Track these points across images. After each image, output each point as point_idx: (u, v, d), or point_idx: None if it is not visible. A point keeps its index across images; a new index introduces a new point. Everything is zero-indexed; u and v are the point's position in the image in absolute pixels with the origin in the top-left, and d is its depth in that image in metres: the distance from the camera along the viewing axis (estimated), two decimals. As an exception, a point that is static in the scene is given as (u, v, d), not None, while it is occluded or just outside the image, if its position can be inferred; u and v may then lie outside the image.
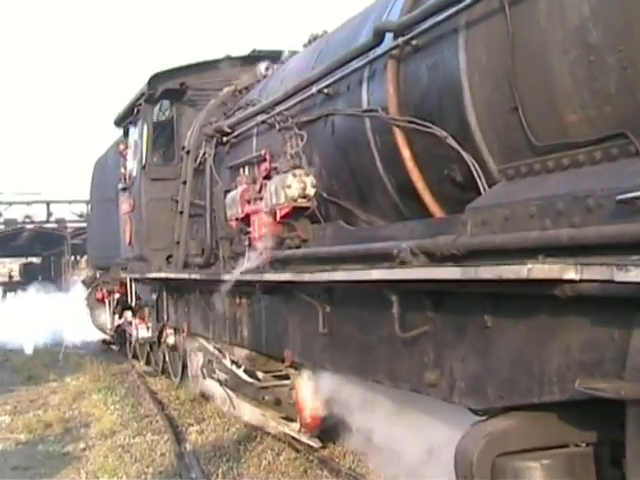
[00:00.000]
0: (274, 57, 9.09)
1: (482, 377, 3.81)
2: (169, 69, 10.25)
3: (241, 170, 7.46)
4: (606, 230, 3.05)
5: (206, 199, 8.57)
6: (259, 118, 7.20)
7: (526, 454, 3.58)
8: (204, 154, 8.75)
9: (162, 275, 9.60)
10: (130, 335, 13.68)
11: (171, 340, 10.72)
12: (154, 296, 10.94)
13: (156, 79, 10.09)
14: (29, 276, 42.61)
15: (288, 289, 5.96)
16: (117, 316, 14.73)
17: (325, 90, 5.74)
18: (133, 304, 12.24)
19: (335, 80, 5.61)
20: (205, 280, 8.00)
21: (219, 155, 8.51)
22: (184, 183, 9.27)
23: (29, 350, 17.80)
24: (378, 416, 5.73)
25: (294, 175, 5.94)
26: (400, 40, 4.69)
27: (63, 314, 19.90)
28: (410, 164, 4.75)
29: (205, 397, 10.01)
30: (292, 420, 7.20)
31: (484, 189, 4.16)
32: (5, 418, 10.59)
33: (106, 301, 15.92)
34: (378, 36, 4.90)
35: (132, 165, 11.02)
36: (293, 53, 8.18)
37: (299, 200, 5.94)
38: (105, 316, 16.19)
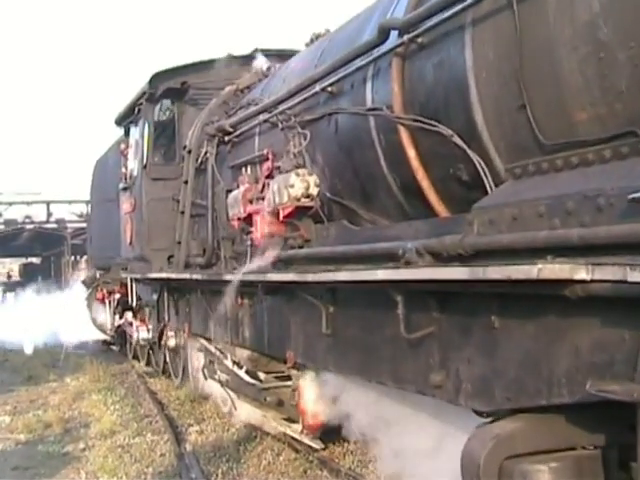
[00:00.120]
0: (276, 56, 9.05)
1: (489, 379, 3.76)
2: (170, 68, 10.23)
3: (243, 169, 7.42)
4: (617, 230, 2.99)
5: (208, 199, 8.53)
6: (261, 117, 7.15)
7: (534, 457, 3.53)
8: (206, 153, 8.71)
9: (163, 275, 9.55)
10: (130, 336, 13.65)
11: (172, 342, 10.65)
12: (155, 296, 10.89)
13: (157, 78, 10.06)
14: (29, 276, 42.59)
15: (291, 289, 5.91)
16: (117, 316, 14.69)
17: (329, 89, 5.69)
18: (134, 304, 12.19)
19: (339, 78, 5.56)
20: (207, 280, 7.95)
21: (221, 154, 8.46)
22: (185, 183, 9.22)
23: (29, 350, 17.76)
24: (381, 417, 5.68)
25: (297, 174, 5.89)
26: (405, 38, 4.64)
27: (63, 314, 19.87)
28: (415, 163, 4.70)
29: (206, 398, 9.96)
30: (294, 421, 7.16)
31: (491, 188, 4.11)
32: (5, 418, 10.56)
33: (106, 301, 15.89)
34: (383, 34, 4.85)
35: (133, 165, 10.98)
36: (294, 52, 8.14)
37: (302, 200, 5.89)
38: (105, 316, 16.16)
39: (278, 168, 6.49)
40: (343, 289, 5.16)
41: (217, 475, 7.09)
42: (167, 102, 10.64)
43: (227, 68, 9.89)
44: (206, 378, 9.00)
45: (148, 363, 13.65)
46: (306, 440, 7.07)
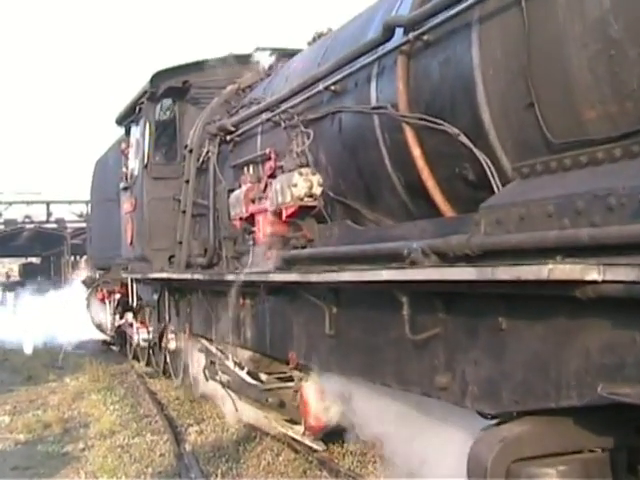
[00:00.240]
0: (278, 55, 9.00)
1: (496, 381, 3.70)
2: (172, 67, 10.19)
3: (245, 169, 7.37)
4: (629, 230, 2.94)
5: (209, 198, 8.48)
6: (264, 116, 7.10)
7: (541, 460, 3.50)
8: (207, 153, 8.66)
9: (164, 275, 9.49)
10: (131, 337, 13.61)
11: (172, 345, 10.59)
12: (155, 297, 10.84)
13: (159, 77, 10.02)
14: (29, 276, 42.59)
15: (293, 290, 5.85)
16: (117, 316, 14.64)
17: (332, 87, 5.64)
18: (134, 305, 12.14)
19: (343, 77, 5.51)
20: (208, 281, 7.90)
21: (222, 154, 8.42)
22: (187, 182, 9.17)
23: (28, 350, 17.72)
24: (385, 419, 5.63)
25: (300, 174, 5.84)
26: (411, 35, 4.58)
27: (63, 314, 19.83)
28: (420, 162, 4.64)
29: (207, 399, 9.92)
30: (296, 423, 7.11)
31: (498, 188, 4.05)
32: (4, 418, 10.54)
33: (106, 302, 15.84)
34: (388, 31, 4.80)
35: (134, 164, 10.93)
36: (296, 51, 8.09)
37: (305, 199, 5.84)
38: (105, 316, 16.12)
39: (281, 167, 6.44)
40: (346, 289, 5.10)
41: (216, 475, 7.08)
42: (168, 101, 10.59)
43: (228, 67, 9.84)
44: (207, 379, 8.94)
45: (148, 363, 13.62)
46: (308, 442, 7.03)
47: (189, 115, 10.02)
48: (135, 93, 10.66)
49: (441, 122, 4.38)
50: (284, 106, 6.53)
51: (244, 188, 7.06)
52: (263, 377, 7.64)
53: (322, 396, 6.38)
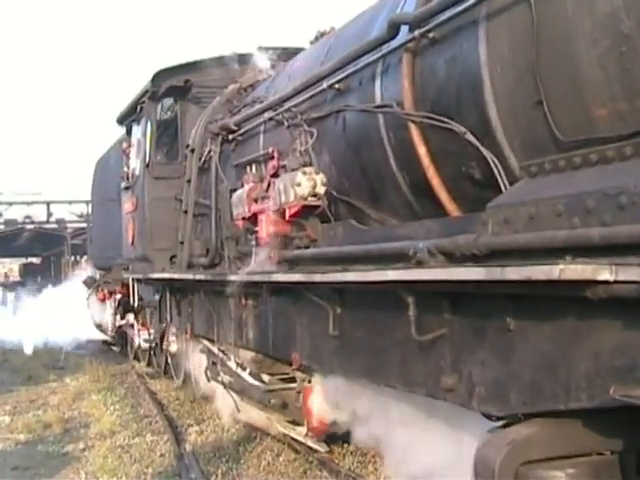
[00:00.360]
0: (280, 54, 8.95)
1: (504, 382, 3.65)
2: (173, 66, 10.14)
3: (248, 168, 7.32)
4: (641, 229, 2.90)
5: (211, 198, 8.43)
6: (266, 115, 7.05)
7: (550, 462, 3.46)
8: (209, 152, 8.61)
9: (165, 276, 9.45)
10: (132, 339, 13.57)
11: (173, 347, 10.52)
12: (157, 297, 10.78)
13: (160, 76, 9.97)
14: (29, 276, 42.60)
15: (297, 290, 5.80)
16: (118, 317, 14.60)
17: (336, 85, 5.59)
18: (135, 305, 12.09)
19: (347, 75, 5.46)
20: (210, 281, 7.85)
21: (224, 153, 8.36)
22: (188, 182, 9.12)
23: (29, 350, 17.70)
24: (388, 420, 5.59)
25: (304, 173, 5.78)
26: (416, 33, 4.53)
27: (63, 314, 19.80)
28: (426, 161, 4.59)
29: (208, 399, 9.88)
30: (298, 424, 7.06)
31: (505, 187, 4.00)
32: (5, 418, 10.53)
33: (107, 302, 15.80)
34: (393, 29, 4.74)
35: (135, 164, 10.89)
36: (299, 50, 8.04)
37: (309, 199, 5.78)
38: (106, 317, 16.08)
39: (284, 167, 6.39)
40: (351, 290, 5.05)
41: (217, 475, 7.07)
42: (170, 100, 10.53)
43: (230, 66, 9.79)
44: (209, 380, 8.89)
45: (149, 364, 13.59)
46: (311, 443, 6.99)
47: (191, 114, 9.96)
48: (136, 92, 10.62)
49: (447, 120, 4.33)
50: (287, 105, 6.48)
51: (246, 187, 7.01)
52: (265, 378, 7.59)
53: (325, 397, 6.34)
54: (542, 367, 3.40)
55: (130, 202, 11.04)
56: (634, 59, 3.20)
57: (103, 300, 16.18)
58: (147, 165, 10.16)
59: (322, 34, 7.30)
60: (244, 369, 7.92)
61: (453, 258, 3.93)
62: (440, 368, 4.12)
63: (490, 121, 4.03)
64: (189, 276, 8.52)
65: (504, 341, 3.63)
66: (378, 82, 5.10)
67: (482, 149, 4.11)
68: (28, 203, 39.14)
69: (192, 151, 9.11)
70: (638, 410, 2.86)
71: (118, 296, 14.43)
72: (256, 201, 6.79)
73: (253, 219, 6.85)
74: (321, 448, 6.99)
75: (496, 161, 4.05)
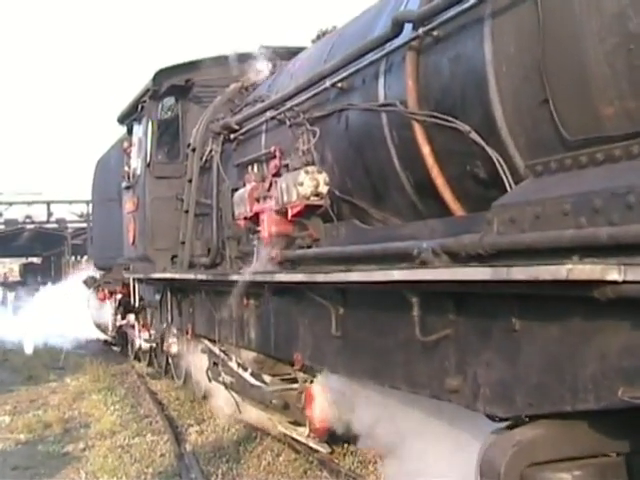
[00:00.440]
0: (282, 53, 8.91)
1: (509, 383, 3.62)
2: (174, 65, 10.10)
3: (249, 168, 7.27)
4: (650, 229, 2.86)
5: (212, 198, 8.39)
6: (268, 114, 7.02)
7: (556, 464, 3.43)
8: (210, 151, 8.58)
9: (167, 275, 9.41)
10: (132, 340, 13.55)
11: (174, 349, 10.48)
12: (158, 297, 10.75)
13: (161, 75, 9.93)
14: (29, 276, 42.63)
15: (299, 290, 5.76)
16: (119, 317, 14.57)
17: (339, 84, 5.56)
18: (136, 305, 12.06)
19: (350, 74, 5.43)
20: (211, 281, 7.81)
21: (226, 152, 8.33)
22: (189, 181, 9.09)
23: (29, 350, 17.68)
24: (391, 420, 5.55)
25: (307, 172, 5.74)
26: (420, 31, 4.50)
27: (63, 314, 19.79)
28: (430, 160, 4.56)
29: (209, 400, 9.85)
30: (300, 425, 7.03)
31: (510, 186, 3.96)
32: (5, 418, 10.52)
33: (108, 302, 15.77)
34: (397, 27, 4.71)
35: (136, 163, 10.85)
36: (300, 49, 8.00)
37: (312, 198, 5.74)
38: (106, 317, 16.05)
39: (286, 166, 6.36)
40: (354, 290, 5.01)
41: (217, 475, 7.07)
42: (171, 99, 10.51)
43: (232, 65, 9.75)
44: (210, 380, 8.86)
45: (150, 364, 13.56)
46: (312, 444, 6.96)
47: (192, 113, 9.93)
48: (137, 91, 10.58)
49: (452, 119, 4.30)
50: (289, 104, 6.44)
51: (248, 187, 6.97)
52: (267, 379, 7.56)
53: (327, 398, 6.30)
54: (548, 368, 3.37)
55: (131, 202, 11.00)
56: (642, 56, 3.17)
57: (103, 300, 16.15)
58: (148, 164, 10.13)
59: (324, 33, 7.27)
60: (245, 369, 7.89)
61: (458, 258, 3.89)
62: (445, 369, 4.09)
63: (495, 120, 4.00)
64: (190, 276, 8.49)
65: (510, 342, 3.60)
66: (381, 81, 5.07)
67: (487, 148, 4.08)
68: (28, 203, 39.18)
69: (193, 150, 9.08)
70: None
71: (119, 296, 14.40)
72: (258, 200, 6.75)
73: (255, 219, 6.81)
74: (323, 449, 6.97)
75: (501, 160, 4.02)
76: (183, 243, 9.16)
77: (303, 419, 6.74)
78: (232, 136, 8.12)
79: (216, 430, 8.85)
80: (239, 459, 7.53)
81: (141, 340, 12.24)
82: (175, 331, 10.35)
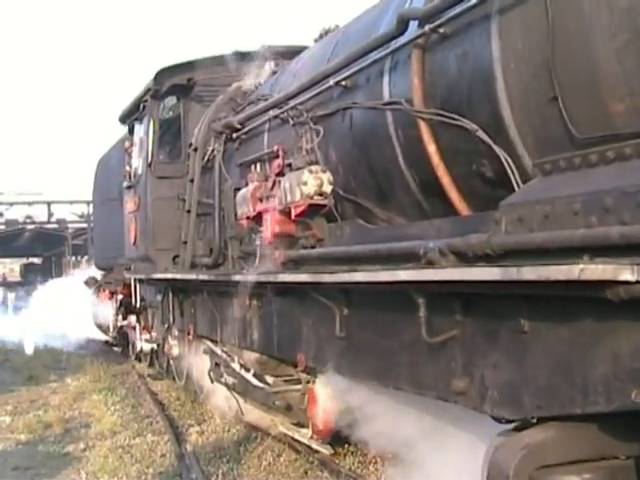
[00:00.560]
0: (284, 52, 8.87)
1: (518, 385, 3.57)
2: (176, 64, 10.05)
3: (252, 167, 7.23)
4: (663, 228, 2.81)
5: (215, 197, 8.33)
6: (271, 113, 6.96)
7: (565, 467, 3.39)
8: (212, 151, 8.53)
9: (168, 276, 9.35)
10: (134, 342, 13.51)
11: (175, 351, 10.43)
12: (159, 297, 10.70)
13: (163, 74, 9.88)
14: (30, 276, 42.62)
15: (303, 290, 5.71)
16: (120, 317, 14.53)
17: (343, 82, 5.50)
18: (137, 305, 12.01)
19: (354, 72, 5.37)
20: (213, 281, 7.76)
21: (228, 152, 8.28)
22: (191, 181, 9.04)
23: (29, 350, 17.67)
24: (394, 422, 5.51)
25: (310, 171, 5.69)
26: (426, 28, 4.44)
27: (64, 314, 19.77)
28: (436, 159, 4.51)
29: (210, 401, 9.82)
30: (303, 426, 6.99)
31: (518, 185, 3.91)
32: (5, 418, 10.53)
33: (109, 302, 15.73)
34: (402, 24, 4.65)
35: (137, 163, 10.80)
36: (303, 48, 7.95)
37: (315, 198, 5.69)
38: (107, 317, 16.01)
39: (289, 165, 6.30)
40: (358, 290, 4.96)
41: (217, 476, 7.07)
42: (172, 99, 10.46)
43: (234, 64, 9.70)
44: (212, 381, 8.82)
45: (151, 365, 13.53)
46: (315, 445, 6.92)
47: (194, 113, 9.88)
48: (139, 91, 10.54)
49: (458, 117, 4.24)
50: (292, 102, 6.39)
51: (251, 186, 6.92)
52: (269, 380, 7.52)
53: (330, 399, 6.26)
54: (558, 370, 3.32)
55: (132, 202, 10.96)
56: (654, 53, 3.12)
57: (104, 300, 16.11)
58: (150, 164, 10.08)
59: (327, 32, 7.21)
60: (248, 370, 7.85)
61: (465, 258, 3.84)
62: (451, 370, 4.04)
63: (503, 118, 3.94)
64: (192, 276, 8.44)
65: (518, 343, 3.55)
66: (386, 79, 5.01)
67: (494, 147, 4.02)
68: (29, 203, 39.19)
69: (195, 150, 9.03)
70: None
71: (120, 296, 14.36)
72: (261, 200, 6.70)
73: (258, 218, 6.76)
74: (326, 450, 6.93)
75: (509, 159, 3.96)
76: (185, 243, 9.10)
77: (306, 420, 6.70)
78: (234, 135, 8.07)
79: (217, 430, 8.85)
80: (240, 459, 7.53)
81: (142, 342, 12.19)
82: (176, 333, 10.30)
